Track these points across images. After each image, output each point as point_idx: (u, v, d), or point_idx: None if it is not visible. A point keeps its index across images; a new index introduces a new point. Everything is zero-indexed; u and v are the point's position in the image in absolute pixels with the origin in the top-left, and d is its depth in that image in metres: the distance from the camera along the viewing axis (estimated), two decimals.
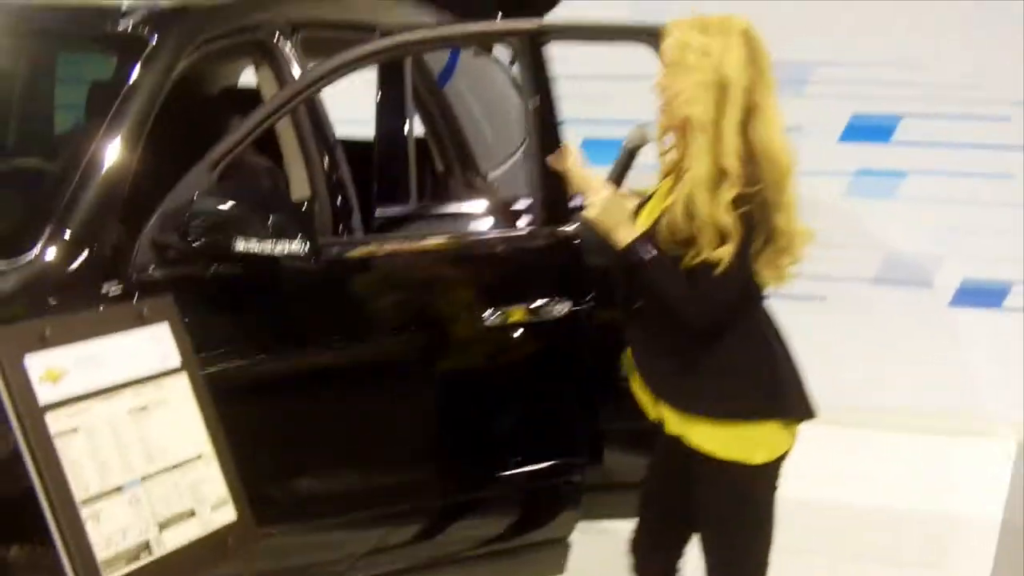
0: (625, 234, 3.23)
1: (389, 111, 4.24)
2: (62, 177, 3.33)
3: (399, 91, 4.23)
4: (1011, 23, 6.84)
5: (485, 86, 5.09)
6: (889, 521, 5.82)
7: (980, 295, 7.09)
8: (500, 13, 5.41)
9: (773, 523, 3.41)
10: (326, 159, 4.06)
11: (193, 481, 2.84)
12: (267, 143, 4.06)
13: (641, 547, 3.58)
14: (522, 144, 4.61)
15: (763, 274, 3.27)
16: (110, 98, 3.50)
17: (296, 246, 3.24)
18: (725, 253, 3.11)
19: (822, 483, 6.18)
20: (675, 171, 3.30)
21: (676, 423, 3.32)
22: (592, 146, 7.09)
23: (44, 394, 2.60)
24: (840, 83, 7.20)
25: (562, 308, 3.91)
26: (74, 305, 3.03)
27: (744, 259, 3.15)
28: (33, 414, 2.57)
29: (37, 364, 2.61)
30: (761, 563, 3.41)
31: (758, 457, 3.27)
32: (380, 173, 4.17)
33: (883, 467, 6.45)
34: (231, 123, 4.15)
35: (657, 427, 3.41)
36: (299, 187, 4.03)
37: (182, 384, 2.90)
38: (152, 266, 3.25)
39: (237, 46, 3.98)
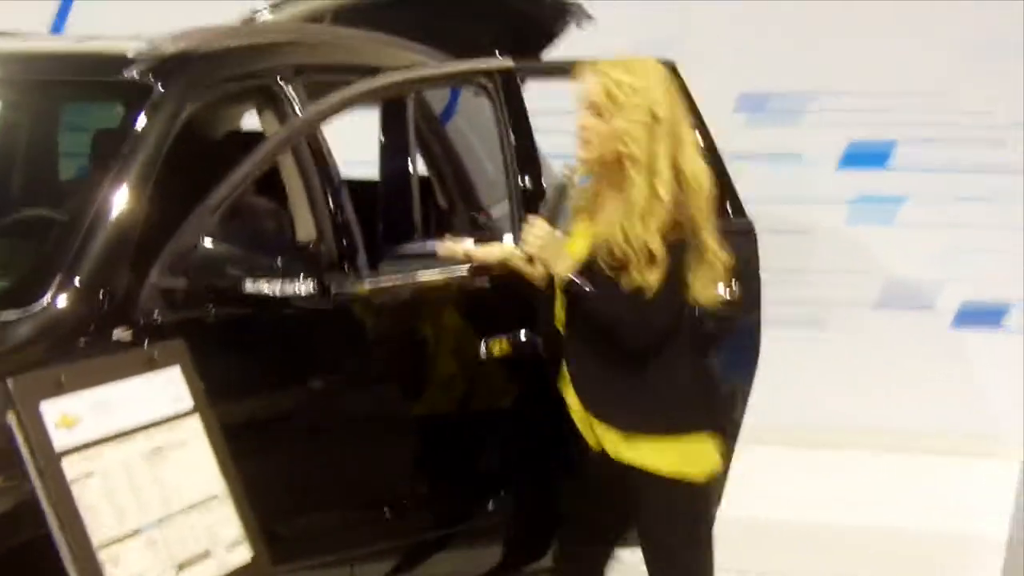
0: (564, 266, 3.40)
1: (392, 150, 4.30)
2: (71, 225, 3.38)
3: (402, 130, 4.28)
4: (1010, 49, 6.92)
5: (484, 123, 5.15)
6: (894, 542, 5.85)
7: (980, 316, 7.15)
8: (497, 51, 5.54)
9: (713, 542, 3.57)
10: (331, 200, 4.11)
11: (209, 522, 2.89)
12: (272, 185, 4.12)
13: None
14: None
15: (698, 293, 3.42)
16: (116, 146, 3.55)
17: (304, 286, 3.30)
18: (655, 276, 3.29)
19: (827, 506, 6.26)
20: (595, 205, 3.49)
21: (616, 446, 3.44)
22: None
23: (60, 440, 2.66)
24: (837, 111, 7.27)
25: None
26: (86, 351, 3.08)
27: (678, 281, 3.35)
28: (50, 460, 2.62)
29: (53, 411, 2.67)
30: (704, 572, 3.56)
31: (698, 473, 3.44)
32: (385, 212, 4.22)
33: (887, 488, 6.50)
34: (236, 166, 4.22)
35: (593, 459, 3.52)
36: (304, 228, 4.08)
37: (195, 426, 2.95)
38: (159, 310, 3.30)
39: (241, 91, 4.03)
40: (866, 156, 7.29)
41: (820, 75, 7.26)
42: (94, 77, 3.92)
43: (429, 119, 4.73)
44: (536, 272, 3.53)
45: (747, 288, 4.33)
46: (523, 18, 5.64)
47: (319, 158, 4.12)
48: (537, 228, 3.44)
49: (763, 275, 7.09)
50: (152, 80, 3.68)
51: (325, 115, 3.76)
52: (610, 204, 3.42)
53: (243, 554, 2.93)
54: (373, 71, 4.31)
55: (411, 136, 4.28)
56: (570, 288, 3.39)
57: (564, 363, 3.52)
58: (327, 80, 4.40)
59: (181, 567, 2.78)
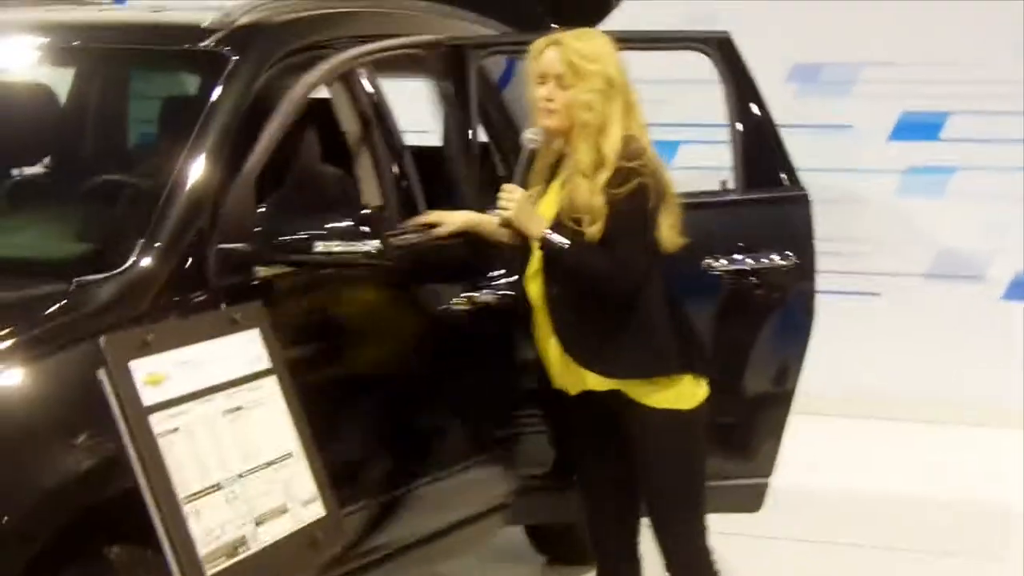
0: (539, 228, 3.62)
1: (454, 119, 4.37)
2: (151, 191, 3.48)
3: (464, 101, 4.36)
4: None
5: None
6: (947, 512, 5.92)
7: None
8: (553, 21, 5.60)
9: (705, 475, 3.82)
10: (395, 167, 4.21)
11: (285, 478, 3.01)
12: (341, 152, 4.23)
13: (602, 532, 3.91)
14: None
15: (664, 236, 3.66)
16: (192, 114, 3.64)
17: (371, 246, 3.42)
18: (599, 228, 3.56)
19: (879, 476, 6.31)
20: (559, 167, 3.74)
21: (606, 383, 3.67)
22: None
23: (148, 396, 2.77)
24: (888, 82, 7.30)
25: None
26: (168, 312, 3.19)
27: (646, 225, 3.60)
28: (138, 415, 2.74)
29: (141, 369, 2.78)
30: (702, 498, 3.80)
31: (686, 404, 3.70)
32: (447, 179, 4.31)
33: (939, 459, 6.56)
34: (306, 135, 4.33)
35: (574, 407, 3.75)
36: (370, 194, 4.19)
37: (272, 386, 3.06)
38: (232, 273, 3.42)
39: (311, 61, 4.11)
40: (917, 127, 7.32)
41: (871, 46, 7.30)
42: (170, 47, 4.01)
43: (489, 87, 4.83)
44: (501, 234, 3.78)
45: (800, 256, 4.41)
46: None
47: (384, 126, 4.23)
48: (513, 194, 3.65)
49: (818, 245, 7.22)
50: (227, 50, 3.77)
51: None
52: (565, 167, 3.67)
53: (317, 510, 3.05)
54: (435, 43, 4.42)
55: (473, 104, 4.36)
56: (547, 247, 3.60)
57: (543, 316, 3.71)
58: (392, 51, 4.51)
59: (259, 521, 2.90)
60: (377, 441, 3.81)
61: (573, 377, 3.73)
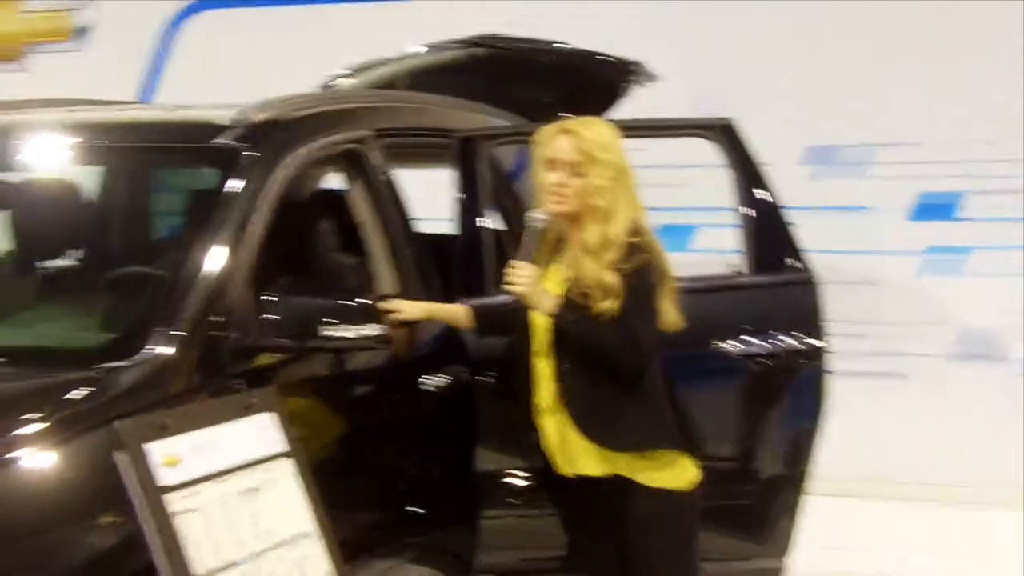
0: (550, 304, 3.74)
1: (467, 207, 4.49)
2: (170, 281, 3.60)
3: (475, 189, 4.49)
4: None
5: None
6: None
7: None
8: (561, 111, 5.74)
9: (697, 556, 3.93)
10: (410, 254, 4.34)
11: (299, 557, 3.09)
12: (355, 241, 4.36)
13: None
14: None
15: (665, 313, 3.81)
16: (209, 207, 3.78)
17: (373, 331, 3.54)
18: (612, 304, 3.69)
19: (905, 557, 6.31)
20: (558, 248, 3.88)
21: (599, 465, 3.76)
22: (668, 232, 7.41)
23: (164, 478, 2.88)
24: (905, 163, 7.38)
25: None
26: (184, 397, 3.31)
27: (651, 303, 3.75)
28: (155, 496, 2.84)
29: (158, 451, 2.89)
30: None
31: (680, 484, 3.81)
32: (460, 266, 4.42)
33: (968, 540, 6.58)
34: (322, 225, 4.47)
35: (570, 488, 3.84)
36: (384, 281, 4.31)
37: (288, 467, 3.16)
38: (247, 359, 3.55)
39: (326, 155, 4.25)
40: (935, 207, 7.39)
41: (886, 127, 7.38)
42: (190, 144, 4.16)
43: (500, 175, 4.97)
44: (459, 322, 4.04)
45: (810, 334, 4.49)
46: (587, 78, 5.85)
47: (399, 215, 4.36)
48: (523, 271, 3.75)
49: (836, 326, 7.27)
50: (242, 146, 3.91)
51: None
52: (570, 247, 3.80)
53: None
54: (446, 133, 4.55)
55: (483, 193, 4.48)
56: (560, 323, 3.72)
57: (547, 392, 3.82)
58: (407, 142, 4.66)
59: None
60: (382, 516, 3.91)
61: (567, 457, 3.83)
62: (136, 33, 8.48)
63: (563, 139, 3.81)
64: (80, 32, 8.68)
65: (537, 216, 3.83)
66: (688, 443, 3.85)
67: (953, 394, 7.32)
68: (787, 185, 7.21)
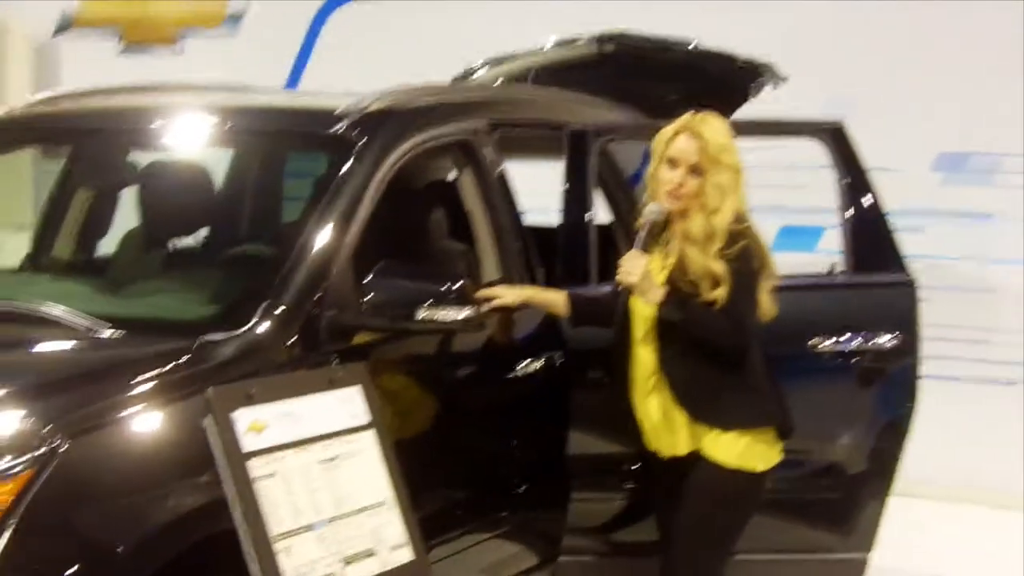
0: (657, 295, 3.84)
1: (573, 200, 4.62)
2: (278, 261, 3.82)
3: (583, 182, 4.62)
4: None
5: None
6: None
7: None
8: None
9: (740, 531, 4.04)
10: (517, 244, 4.50)
11: (375, 525, 3.28)
12: (465, 230, 4.54)
13: None
14: None
15: (763, 301, 3.93)
16: (322, 192, 3.98)
17: (466, 314, 3.71)
18: (722, 292, 3.80)
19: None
20: (661, 237, 3.98)
21: (696, 444, 3.90)
22: (790, 233, 7.43)
23: (248, 443, 3.09)
24: None
25: None
26: (281, 370, 3.51)
27: (752, 286, 3.87)
28: (238, 460, 3.05)
29: (244, 418, 3.10)
30: (721, 561, 4.06)
31: (762, 465, 3.93)
32: (563, 257, 4.56)
33: None
34: (432, 212, 4.65)
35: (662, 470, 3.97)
36: (490, 269, 4.48)
37: (369, 440, 3.35)
38: (345, 336, 3.75)
39: (438, 146, 4.41)
40: None
41: (1016, 136, 7.31)
42: (306, 130, 4.38)
43: (615, 172, 5.10)
44: (556, 308, 4.15)
45: (904, 335, 4.56)
46: (716, 78, 5.94)
47: (507, 205, 4.52)
48: (635, 262, 3.85)
49: (956, 333, 7.26)
50: (355, 134, 4.09)
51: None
52: (676, 237, 3.90)
53: (405, 555, 3.31)
54: (559, 126, 4.70)
55: (590, 187, 4.61)
56: (666, 314, 3.83)
57: (648, 378, 3.93)
58: (519, 135, 4.82)
59: (347, 561, 3.17)
60: (460, 493, 4.08)
61: (668, 439, 3.95)
62: (286, 22, 8.75)
63: (685, 139, 3.89)
64: (233, 19, 9.01)
65: (654, 208, 3.92)
66: (787, 422, 3.98)
67: None
68: (917, 190, 7.31)
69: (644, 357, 3.96)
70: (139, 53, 9.19)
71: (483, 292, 4.09)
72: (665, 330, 3.90)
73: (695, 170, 3.86)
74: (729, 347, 3.88)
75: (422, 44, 8.22)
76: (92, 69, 8.41)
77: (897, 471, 4.65)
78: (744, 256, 3.85)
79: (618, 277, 3.89)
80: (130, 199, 4.71)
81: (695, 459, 3.92)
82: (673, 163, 3.89)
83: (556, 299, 4.21)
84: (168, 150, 4.66)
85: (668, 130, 3.94)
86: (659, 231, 4.00)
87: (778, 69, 5.96)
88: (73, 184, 4.96)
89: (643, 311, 3.94)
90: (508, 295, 4.17)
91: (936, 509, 6.98)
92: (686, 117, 3.95)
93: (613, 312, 4.03)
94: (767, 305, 3.96)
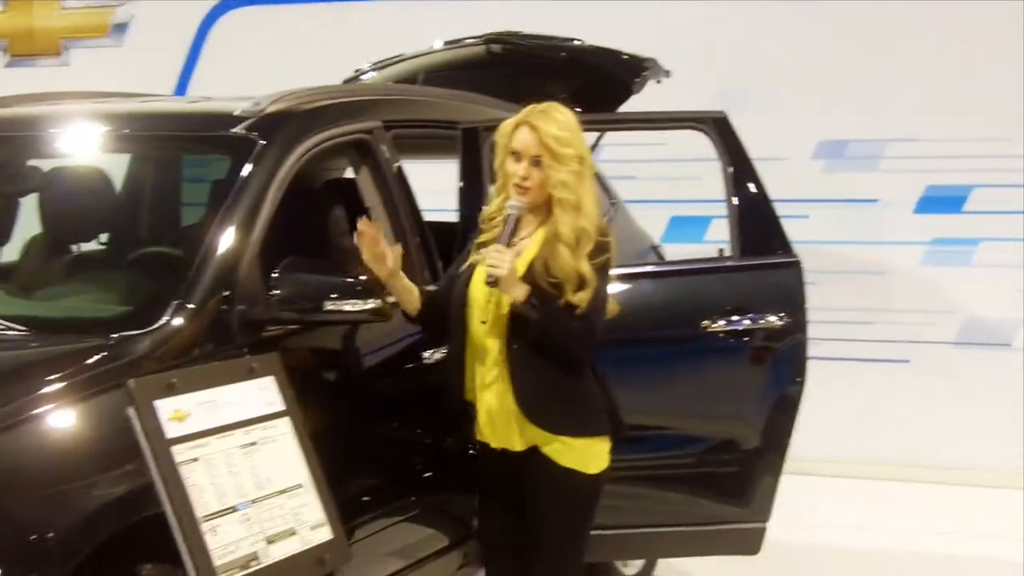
0: (523, 291, 3.81)
1: (469, 195, 4.72)
2: (185, 260, 3.90)
3: (477, 178, 4.74)
4: None
5: None
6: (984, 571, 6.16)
7: None
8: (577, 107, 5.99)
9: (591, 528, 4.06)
10: (416, 239, 4.62)
11: (295, 505, 3.39)
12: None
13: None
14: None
15: (610, 306, 3.96)
16: (225, 193, 4.06)
17: (372, 305, 3.83)
18: (586, 295, 3.81)
19: (908, 536, 6.54)
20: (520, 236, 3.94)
21: (529, 442, 3.93)
22: (679, 223, 7.65)
23: (172, 430, 3.19)
24: (913, 158, 7.61)
25: None
26: (195, 362, 3.62)
27: (604, 296, 3.90)
28: (162, 447, 3.15)
29: (166, 407, 3.21)
30: (582, 558, 4.08)
31: (595, 468, 3.96)
32: (462, 250, 4.67)
33: (966, 520, 6.82)
34: (334, 212, 4.76)
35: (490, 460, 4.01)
36: None
37: (285, 426, 3.46)
38: (254, 330, 3.85)
39: (335, 145, 4.50)
40: (942, 201, 7.59)
41: (896, 123, 7.60)
42: (205, 132, 4.46)
43: None
44: (411, 294, 4.03)
45: (792, 313, 4.75)
46: (601, 74, 6.10)
47: (405, 202, 4.64)
48: (504, 255, 3.81)
49: (849, 314, 7.50)
50: (255, 135, 4.18)
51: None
52: (537, 235, 3.92)
53: (324, 534, 3.43)
54: (452, 125, 4.83)
55: (485, 181, 4.74)
56: (525, 310, 3.81)
57: (492, 368, 3.93)
58: (414, 134, 4.95)
59: (270, 540, 3.29)
60: (373, 477, 4.22)
61: (503, 432, 3.96)
62: (171, 29, 8.80)
63: (525, 132, 3.89)
64: (118, 28, 9.03)
65: (516, 204, 3.92)
66: (618, 430, 4.03)
67: (958, 379, 7.55)
68: (799, 178, 7.55)
69: (491, 348, 3.93)
70: (25, 65, 9.19)
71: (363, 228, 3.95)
72: (517, 326, 3.88)
73: (537, 162, 3.87)
74: (578, 353, 3.90)
75: (309, 48, 8.32)
76: None
77: (789, 444, 4.84)
78: (604, 268, 3.89)
79: (487, 270, 3.81)
80: (31, 206, 4.76)
81: (530, 455, 3.95)
82: (516, 156, 3.90)
83: (413, 291, 4.10)
84: (68, 156, 4.72)
85: (509, 123, 3.94)
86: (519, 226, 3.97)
87: (661, 64, 6.15)
88: None
89: (502, 303, 3.90)
90: (388, 264, 3.99)
91: (830, 485, 7.24)
92: (527, 109, 3.93)
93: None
94: (612, 305, 4.01)
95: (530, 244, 3.94)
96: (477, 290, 3.95)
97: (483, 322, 3.93)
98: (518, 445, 3.95)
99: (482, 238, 4.02)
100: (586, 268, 3.83)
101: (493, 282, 3.81)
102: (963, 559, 6.34)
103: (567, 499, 3.96)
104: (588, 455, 3.95)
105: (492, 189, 4.13)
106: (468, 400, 4.03)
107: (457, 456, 4.44)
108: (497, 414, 3.94)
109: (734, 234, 4.91)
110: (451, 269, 4.17)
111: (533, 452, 3.94)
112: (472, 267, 3.99)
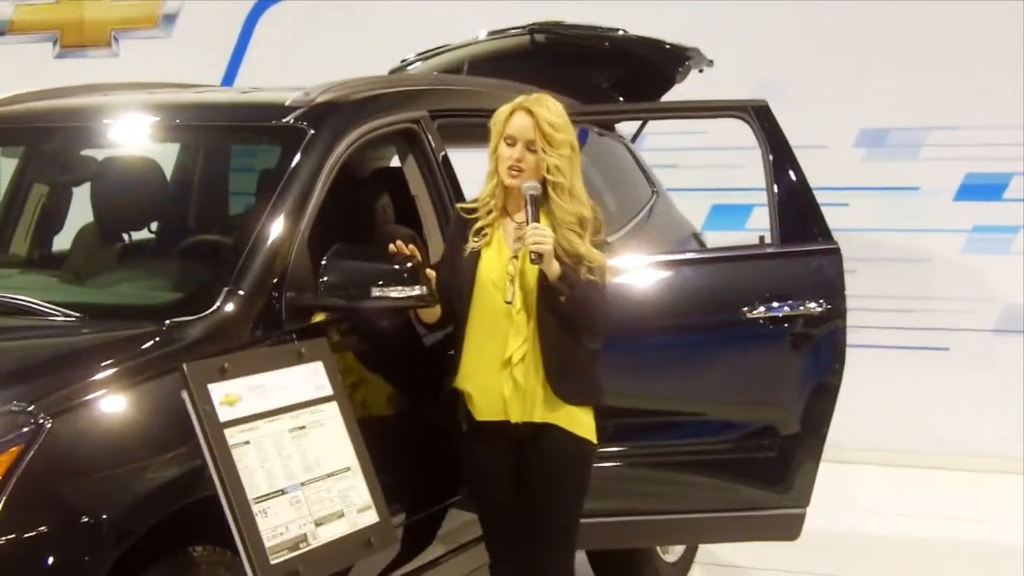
0: (557, 266, 3.98)
1: None
2: (237, 247, 3.99)
3: None
4: None
5: (607, 160, 5.69)
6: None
7: None
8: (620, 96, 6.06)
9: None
10: None
11: (343, 488, 3.48)
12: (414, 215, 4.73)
13: (504, 554, 4.23)
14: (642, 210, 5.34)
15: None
16: (275, 181, 4.15)
17: (419, 291, 3.91)
18: (600, 271, 4.06)
19: (951, 522, 6.63)
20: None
21: (548, 412, 4.06)
22: (721, 211, 7.70)
23: (224, 414, 3.29)
24: (953, 146, 7.65)
25: None
26: (245, 347, 3.71)
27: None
28: (215, 430, 3.25)
29: (218, 391, 3.30)
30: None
31: (595, 439, 4.15)
32: None
33: (1009, 510, 6.85)
34: (380, 198, 4.84)
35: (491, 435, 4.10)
36: (436, 251, 4.67)
37: (333, 410, 3.55)
38: (303, 316, 3.93)
39: (384, 135, 4.59)
40: (981, 188, 7.64)
41: (937, 111, 7.64)
42: (256, 122, 4.56)
43: None
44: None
45: (831, 300, 4.80)
46: (644, 63, 6.16)
47: (449, 190, 4.71)
48: (544, 231, 3.97)
49: (889, 302, 7.54)
50: (305, 125, 4.27)
51: None
52: (555, 221, 4.07)
53: (371, 517, 3.52)
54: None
55: None
56: (560, 285, 3.97)
57: (518, 344, 4.04)
58: (460, 123, 5.02)
59: (318, 522, 3.38)
60: (413, 461, 4.30)
61: (521, 405, 4.07)
62: (220, 21, 8.92)
63: (520, 117, 4.07)
64: (167, 19, 9.16)
65: (532, 184, 4.06)
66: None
67: (997, 367, 7.59)
68: (840, 167, 7.59)
69: (520, 325, 4.05)
70: (75, 56, 9.33)
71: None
72: (550, 301, 4.02)
73: (531, 146, 4.04)
74: (603, 324, 4.08)
75: (355, 39, 8.41)
76: (28, 73, 8.52)
77: (828, 430, 4.89)
78: (601, 247, 4.10)
79: (530, 247, 3.93)
80: (84, 195, 4.86)
81: (543, 428, 4.08)
82: (511, 141, 4.07)
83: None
84: (120, 146, 4.82)
85: (505, 109, 4.11)
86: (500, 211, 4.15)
87: (704, 53, 6.20)
88: (28, 181, 5.11)
89: (530, 279, 4.04)
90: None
91: (868, 472, 7.29)
92: (522, 97, 4.13)
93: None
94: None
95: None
96: (492, 272, 4.09)
97: (508, 301, 4.05)
98: (536, 417, 4.07)
99: (481, 223, 4.14)
100: (593, 248, 4.05)
101: (538, 258, 3.95)
102: (999, 546, 6.37)
103: (579, 467, 4.14)
104: (592, 426, 4.14)
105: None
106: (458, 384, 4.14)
107: None
108: (524, 389, 4.06)
109: (774, 222, 4.96)
110: (444, 258, 4.25)
111: (547, 425, 4.08)
112: (476, 252, 4.11)
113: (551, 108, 4.09)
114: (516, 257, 4.05)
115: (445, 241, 4.33)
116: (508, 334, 4.06)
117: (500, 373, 4.06)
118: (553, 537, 4.15)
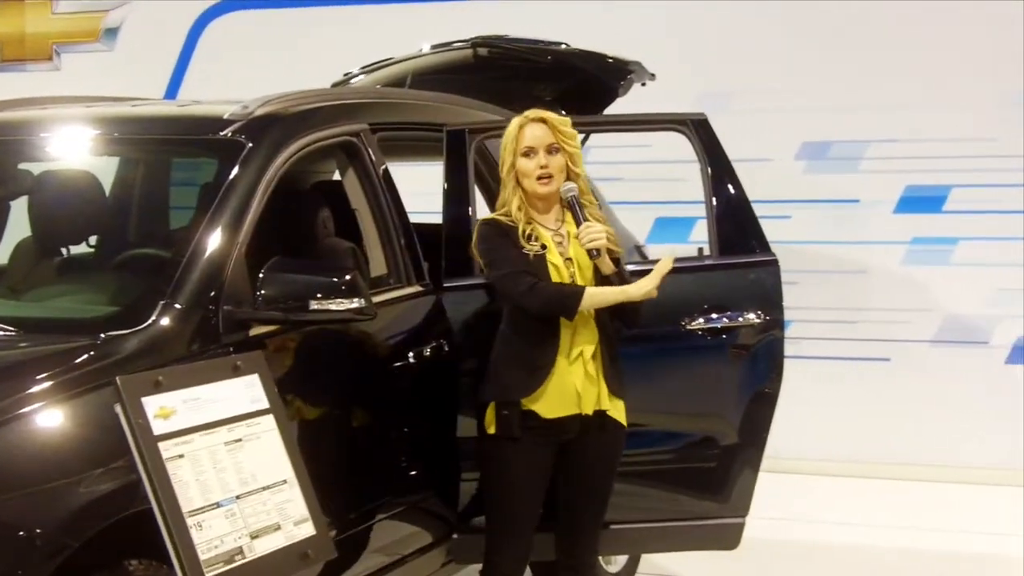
0: (610, 262, 4.26)
1: (454, 196, 4.82)
2: (175, 261, 3.98)
3: (463, 179, 4.83)
4: None
5: None
6: (955, 568, 6.27)
7: None
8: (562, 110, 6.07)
9: None
10: (402, 239, 4.70)
11: (279, 501, 3.46)
12: (354, 228, 4.73)
13: (511, 549, 4.41)
14: None
15: None
16: (213, 195, 4.13)
17: (357, 304, 3.91)
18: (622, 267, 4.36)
19: (890, 531, 6.66)
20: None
21: (604, 403, 4.31)
22: (665, 224, 7.74)
23: (158, 427, 3.26)
24: (894, 158, 7.71)
25: None
26: (183, 361, 3.69)
27: None
28: (149, 443, 3.23)
29: (152, 404, 3.28)
30: None
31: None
32: (448, 251, 4.77)
33: (945, 516, 6.91)
34: (320, 211, 4.84)
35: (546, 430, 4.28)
36: (377, 264, 4.68)
37: (269, 423, 3.54)
38: (241, 329, 3.92)
39: (323, 147, 4.59)
40: (921, 200, 7.69)
41: (877, 124, 7.70)
42: (194, 136, 4.54)
43: (492, 168, 5.31)
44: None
45: (769, 311, 4.85)
46: (587, 77, 6.19)
47: (390, 202, 4.72)
48: (600, 227, 4.24)
49: (830, 313, 7.59)
50: (243, 138, 4.26)
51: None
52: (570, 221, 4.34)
53: (308, 529, 3.50)
54: (438, 128, 4.91)
55: (470, 182, 4.83)
56: (616, 278, 4.24)
57: (588, 341, 4.25)
58: (401, 136, 5.03)
59: (254, 535, 3.36)
60: (356, 475, 4.30)
61: (590, 397, 4.28)
62: (162, 34, 8.88)
63: (535, 127, 4.27)
64: (109, 33, 9.11)
65: (569, 186, 4.28)
66: None
67: (936, 377, 7.66)
68: (782, 179, 7.65)
69: (588, 319, 4.26)
70: (16, 71, 9.27)
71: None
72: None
73: (552, 150, 4.25)
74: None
75: (298, 52, 8.41)
76: None
77: (767, 440, 4.93)
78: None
79: (591, 243, 4.19)
80: (21, 209, 4.83)
81: (601, 419, 4.30)
82: (530, 152, 4.25)
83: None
84: (58, 160, 4.80)
85: (512, 129, 4.30)
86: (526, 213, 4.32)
87: (645, 67, 6.24)
88: None
89: (587, 277, 4.27)
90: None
91: (811, 482, 7.34)
92: (523, 115, 4.33)
93: None
94: None
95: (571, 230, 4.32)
96: (559, 272, 4.26)
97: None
98: (588, 409, 4.27)
99: (526, 231, 4.28)
100: (615, 247, 4.32)
101: (598, 254, 4.21)
102: (943, 554, 6.43)
103: (619, 454, 4.42)
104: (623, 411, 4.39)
105: (499, 196, 4.44)
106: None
107: (441, 453, 4.54)
108: (595, 381, 4.28)
109: (712, 234, 5.00)
110: (514, 256, 4.28)
111: (604, 415, 4.31)
112: (541, 256, 4.25)
113: (550, 111, 4.33)
114: (598, 254, 4.22)
115: (494, 246, 4.34)
116: (576, 330, 4.24)
117: (571, 368, 4.24)
118: (595, 520, 4.43)
